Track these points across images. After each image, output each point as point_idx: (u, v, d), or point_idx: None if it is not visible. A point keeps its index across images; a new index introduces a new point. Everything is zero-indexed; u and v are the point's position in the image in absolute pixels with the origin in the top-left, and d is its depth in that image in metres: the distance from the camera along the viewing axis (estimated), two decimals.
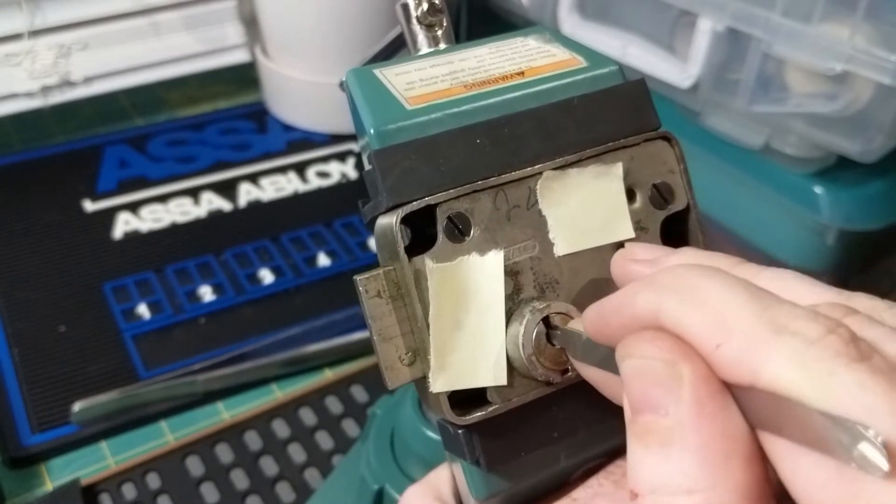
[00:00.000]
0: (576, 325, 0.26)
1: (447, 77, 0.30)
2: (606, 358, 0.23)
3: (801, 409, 0.18)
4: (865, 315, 0.21)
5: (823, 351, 0.19)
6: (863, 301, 0.22)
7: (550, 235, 0.28)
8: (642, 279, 0.23)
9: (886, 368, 0.19)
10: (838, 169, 0.62)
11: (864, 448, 0.17)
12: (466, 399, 0.27)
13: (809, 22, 0.56)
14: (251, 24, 0.93)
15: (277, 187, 0.82)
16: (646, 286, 0.22)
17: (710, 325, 0.21)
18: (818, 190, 0.62)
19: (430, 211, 0.27)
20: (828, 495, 0.18)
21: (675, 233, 0.30)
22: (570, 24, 0.72)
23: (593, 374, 0.25)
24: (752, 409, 0.20)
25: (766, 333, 0.20)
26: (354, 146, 0.89)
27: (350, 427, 0.60)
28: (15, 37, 0.82)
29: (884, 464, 0.17)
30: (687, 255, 0.25)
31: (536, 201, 0.28)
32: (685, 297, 0.21)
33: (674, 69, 0.65)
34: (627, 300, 0.23)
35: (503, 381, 0.27)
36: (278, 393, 0.63)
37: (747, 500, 0.20)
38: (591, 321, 0.24)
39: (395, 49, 0.40)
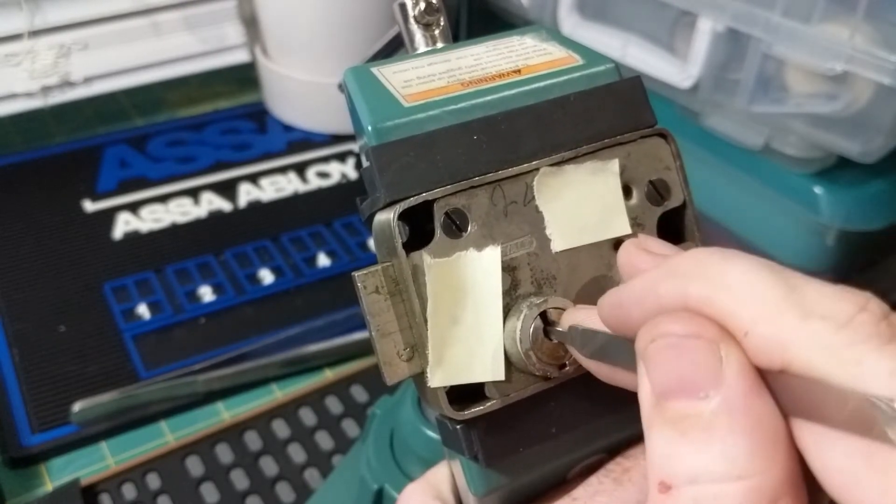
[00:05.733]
0: (570, 317, 0.26)
1: (444, 75, 0.31)
2: (621, 353, 0.23)
3: (832, 390, 0.18)
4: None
5: (853, 335, 0.18)
6: None
7: (547, 231, 0.28)
8: (658, 268, 0.22)
9: None
10: (838, 169, 0.62)
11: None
12: (465, 395, 0.27)
13: (809, 22, 0.56)
14: (251, 24, 0.93)
15: (277, 187, 0.82)
16: (667, 274, 0.22)
17: (738, 310, 0.20)
18: (818, 190, 0.62)
19: (427, 207, 0.27)
20: (860, 481, 0.18)
21: (671, 229, 0.30)
22: (570, 23, 0.72)
23: (597, 365, 0.25)
24: (782, 395, 0.19)
25: (793, 319, 0.19)
26: (354, 146, 0.89)
27: (350, 427, 0.60)
28: (15, 37, 0.82)
29: None
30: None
31: (533, 197, 0.28)
32: (710, 281, 0.21)
33: (674, 69, 0.65)
34: (649, 288, 0.22)
35: (501, 376, 0.27)
36: (278, 393, 0.63)
37: (794, 486, 0.19)
38: (609, 314, 0.23)
39: (394, 48, 0.40)
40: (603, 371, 0.25)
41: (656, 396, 0.21)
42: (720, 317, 0.20)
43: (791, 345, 0.19)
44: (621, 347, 0.23)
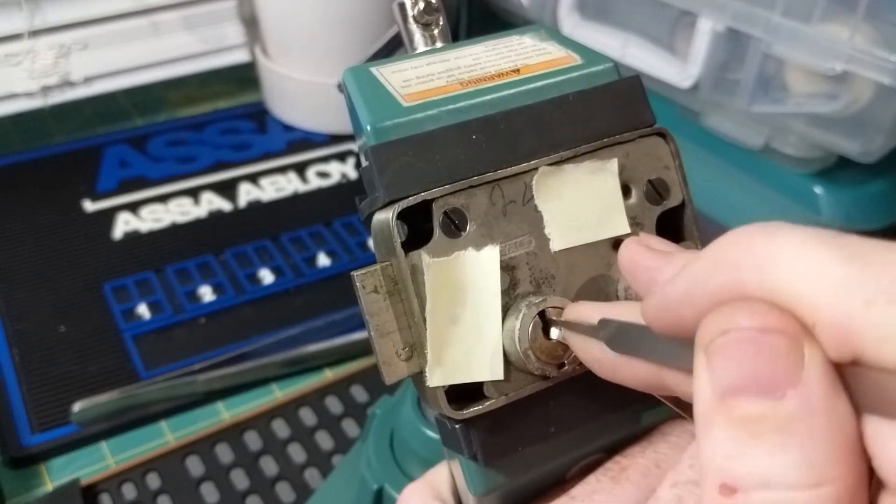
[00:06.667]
0: (570, 312, 0.26)
1: (443, 74, 0.31)
2: (666, 349, 0.22)
3: None
4: None
5: None
6: None
7: (546, 231, 0.28)
8: (699, 260, 0.21)
9: None
10: (838, 169, 0.62)
11: None
12: (464, 394, 0.27)
13: (809, 22, 0.56)
14: (251, 24, 0.94)
15: (277, 187, 0.82)
16: (713, 265, 0.20)
17: (800, 297, 0.18)
18: (818, 190, 0.62)
19: (426, 206, 0.27)
20: None
21: (670, 229, 0.30)
22: (570, 23, 0.72)
23: (598, 362, 0.25)
24: (855, 390, 0.18)
25: (858, 304, 0.17)
26: (354, 146, 0.89)
27: (350, 427, 0.60)
28: (15, 37, 0.82)
29: None
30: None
31: (532, 197, 0.28)
32: (763, 267, 0.19)
33: (674, 69, 0.65)
34: (698, 284, 0.20)
35: (499, 375, 0.27)
36: (278, 393, 0.63)
37: (865, 490, 0.18)
38: (657, 318, 0.22)
39: (394, 48, 0.40)
40: (605, 368, 0.24)
41: (721, 393, 0.19)
42: (783, 306, 0.19)
43: (859, 334, 0.17)
44: (653, 341, 0.22)
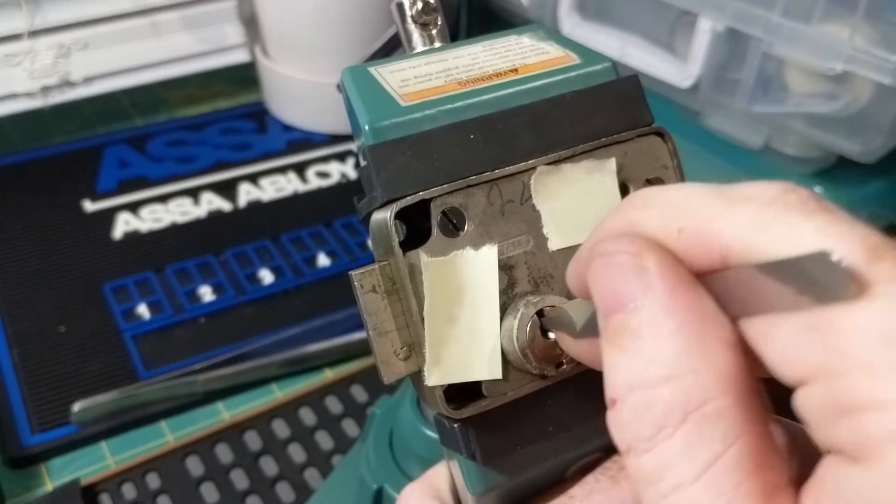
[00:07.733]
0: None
1: (441, 74, 0.31)
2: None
3: (765, 271, 0.18)
4: None
5: (781, 209, 0.19)
6: None
7: (544, 230, 0.28)
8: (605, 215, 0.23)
9: (848, 218, 0.19)
10: (838, 169, 0.62)
11: (828, 275, 0.17)
12: (462, 393, 0.27)
13: (809, 22, 0.56)
14: (251, 24, 0.93)
15: (277, 187, 0.82)
16: (611, 214, 0.23)
17: (669, 214, 0.21)
18: (818, 190, 0.62)
19: (424, 206, 0.27)
20: (804, 348, 0.18)
21: None
22: (570, 23, 0.72)
23: (590, 355, 0.25)
24: (727, 295, 0.20)
25: (721, 207, 0.20)
26: (354, 146, 0.88)
27: (350, 427, 0.60)
28: (15, 37, 0.82)
29: (846, 282, 0.17)
30: None
31: (530, 196, 0.28)
32: (645, 204, 0.22)
33: (674, 69, 0.65)
34: (598, 235, 0.23)
35: (498, 374, 0.27)
36: (278, 393, 0.63)
37: (731, 385, 0.19)
38: (572, 272, 0.24)
39: (392, 48, 0.41)
40: (598, 359, 0.25)
41: (603, 316, 0.21)
42: (651, 229, 0.21)
43: (723, 228, 0.20)
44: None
